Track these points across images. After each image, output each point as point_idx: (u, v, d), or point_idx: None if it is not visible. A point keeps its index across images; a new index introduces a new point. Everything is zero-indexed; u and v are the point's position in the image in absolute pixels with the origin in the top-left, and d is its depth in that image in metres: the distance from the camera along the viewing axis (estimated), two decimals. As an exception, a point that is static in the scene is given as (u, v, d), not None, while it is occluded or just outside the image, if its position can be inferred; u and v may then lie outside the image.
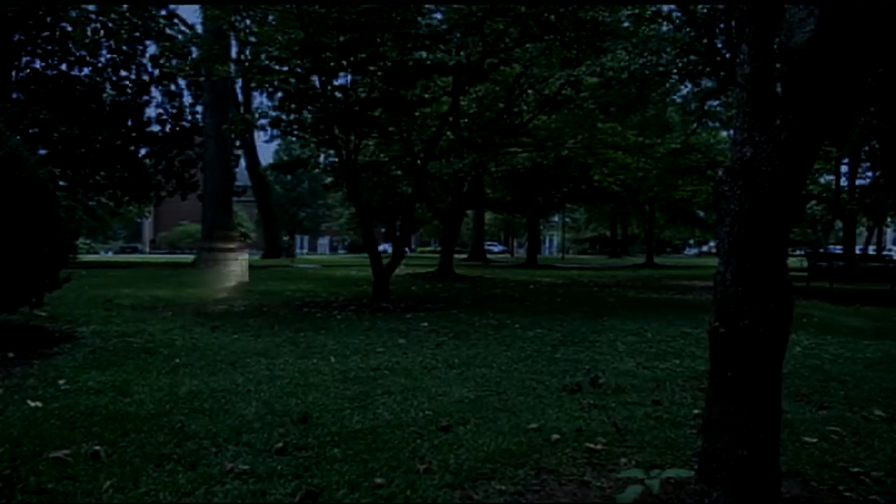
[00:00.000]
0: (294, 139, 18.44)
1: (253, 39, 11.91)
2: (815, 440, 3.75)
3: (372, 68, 10.85)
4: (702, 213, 39.39)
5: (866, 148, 34.41)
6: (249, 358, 5.87)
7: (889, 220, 51.74)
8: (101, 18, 22.97)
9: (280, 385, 4.84)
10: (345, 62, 10.60)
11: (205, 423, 3.86)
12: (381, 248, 20.62)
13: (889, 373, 5.73)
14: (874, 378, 5.49)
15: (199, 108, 26.71)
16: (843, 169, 34.45)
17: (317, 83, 10.79)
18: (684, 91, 25.98)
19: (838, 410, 4.45)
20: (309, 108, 11.73)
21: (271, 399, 4.42)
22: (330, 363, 5.71)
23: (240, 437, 3.62)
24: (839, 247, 36.65)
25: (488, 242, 57.46)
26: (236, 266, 21.01)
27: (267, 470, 3.14)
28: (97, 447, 3.35)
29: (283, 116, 12.03)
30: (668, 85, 21.99)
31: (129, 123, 25.78)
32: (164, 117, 26.87)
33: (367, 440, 3.60)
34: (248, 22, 12.77)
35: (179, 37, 24.59)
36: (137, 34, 24.31)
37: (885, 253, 38.43)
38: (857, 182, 36.75)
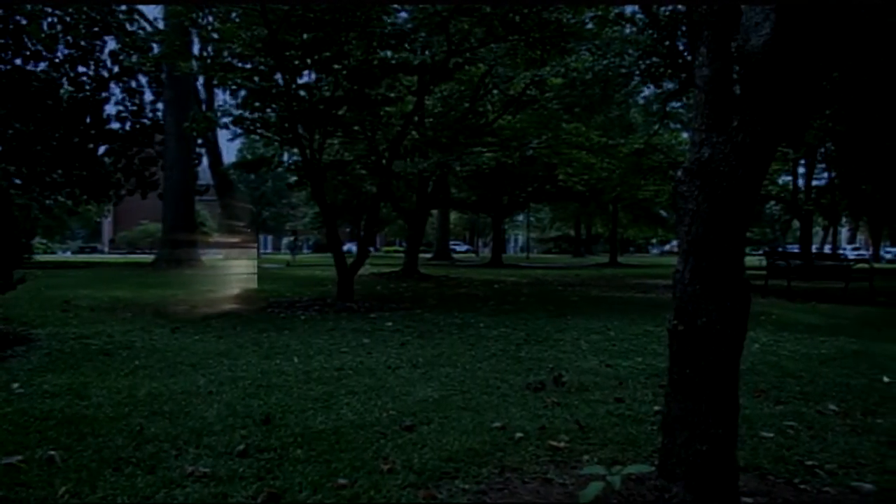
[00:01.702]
0: (257, 138, 18.21)
1: (215, 36, 11.72)
2: (772, 435, 3.83)
3: (336, 67, 10.78)
4: (664, 213, 39.97)
5: (822, 150, 35.23)
6: (211, 359, 5.79)
7: (843, 220, 53.16)
8: (57, 13, 22.43)
9: (242, 386, 4.78)
10: (309, 60, 10.51)
11: (164, 425, 3.80)
12: (345, 247, 20.48)
13: (843, 368, 5.88)
14: (828, 374, 5.63)
15: (160, 106, 26.24)
16: (801, 170, 35.23)
17: (280, 81, 10.68)
18: (647, 92, 26.40)
19: (794, 405, 4.55)
20: (272, 106, 11.59)
21: (233, 400, 4.37)
22: (293, 364, 5.66)
23: (200, 439, 3.56)
24: (796, 246, 37.51)
25: (453, 242, 57.50)
26: (198, 265, 20.70)
27: (228, 472, 3.10)
28: (52, 452, 3.27)
29: (247, 115, 11.88)
30: (630, 86, 22.30)
31: (88, 120, 25.22)
32: (124, 114, 26.36)
33: (331, 441, 3.58)
34: (210, 18, 12.60)
35: (140, 32, 24.13)
36: (96, 29, 23.78)
37: (839, 252, 39.40)
38: (814, 183, 37.61)
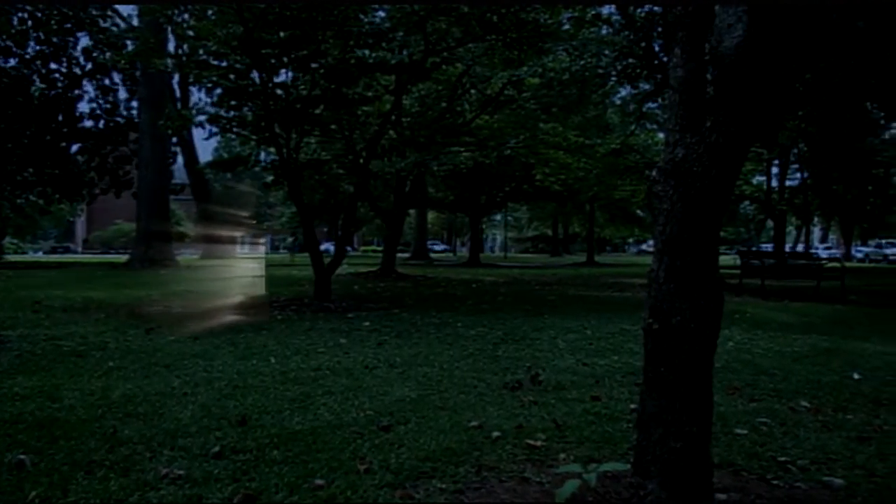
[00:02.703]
0: (234, 136, 18.06)
1: (191, 34, 11.61)
2: (745, 432, 3.88)
3: (314, 66, 10.72)
4: (641, 213, 40.33)
5: (795, 150, 35.77)
6: (186, 360, 5.74)
7: (816, 219, 54.01)
8: (28, 8, 22.06)
9: (218, 387, 4.74)
10: (286, 59, 10.44)
11: (139, 427, 3.76)
12: (323, 247, 20.37)
13: (815, 365, 5.97)
14: (801, 371, 5.71)
15: (134, 104, 25.94)
16: (774, 170, 35.75)
17: (257, 79, 10.60)
18: (623, 93, 26.62)
19: (768, 402, 4.61)
20: (249, 104, 11.51)
21: (209, 402, 4.33)
22: (270, 364, 5.63)
23: (175, 441, 3.53)
24: (770, 245, 38.01)
25: (431, 241, 57.52)
26: (173, 265, 20.49)
27: (203, 474, 3.07)
28: (22, 456, 3.21)
29: (223, 113, 11.77)
30: (607, 87, 22.45)
31: (60, 118, 24.84)
32: (98, 112, 26.00)
33: (308, 441, 3.56)
34: (185, 16, 12.47)
35: (114, 29, 23.82)
36: (68, 25, 23.44)
37: (812, 251, 40.02)
38: (787, 183, 38.16)
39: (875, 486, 3.09)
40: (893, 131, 39.75)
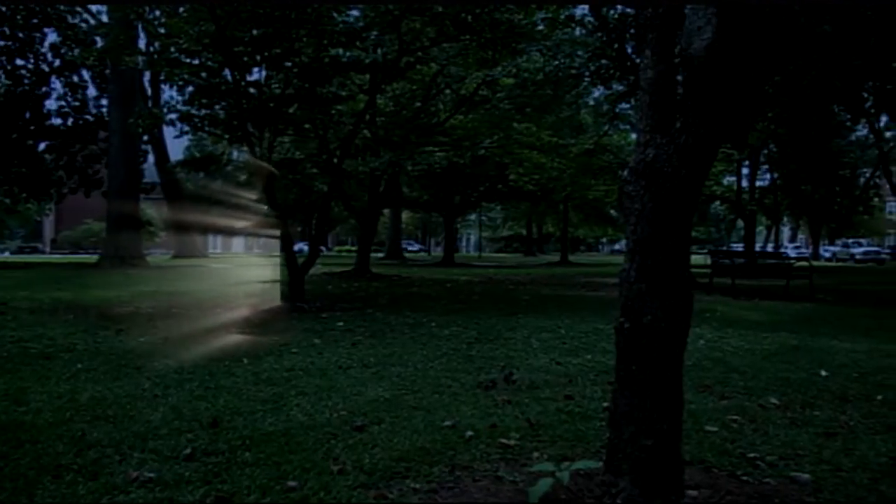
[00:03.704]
0: (206, 135, 17.88)
1: (162, 31, 11.47)
2: (716, 429, 3.93)
3: (287, 64, 10.65)
4: (614, 213, 40.67)
5: (765, 151, 36.34)
6: (157, 362, 5.66)
7: (785, 219, 54.93)
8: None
9: (189, 389, 4.68)
10: (258, 57, 10.35)
11: (108, 430, 3.70)
12: (297, 247, 20.31)
13: (784, 363, 6.07)
14: (770, 368, 5.80)
15: (104, 101, 25.53)
16: (745, 171, 36.28)
17: (229, 78, 10.49)
18: (597, 94, 26.82)
19: (738, 400, 4.68)
20: (221, 103, 11.39)
21: (180, 403, 4.28)
22: (242, 365, 5.58)
23: (146, 443, 3.48)
24: (741, 245, 38.56)
25: (406, 241, 57.44)
26: (144, 265, 20.22)
27: (174, 477, 3.03)
28: (-13, 459, 3.15)
29: (194, 111, 11.64)
30: (581, 87, 22.62)
31: (27, 116, 24.36)
32: (66, 110, 25.57)
33: (280, 443, 3.54)
34: (157, 13, 12.31)
35: (83, 25, 23.43)
36: (35, 21, 23.00)
37: (781, 250, 40.68)
38: (757, 184, 38.74)
39: (840, 481, 3.15)
40: (859, 133, 40.57)
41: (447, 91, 18.23)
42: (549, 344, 6.98)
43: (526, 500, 2.81)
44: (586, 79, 20.00)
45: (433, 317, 9.16)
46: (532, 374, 5.42)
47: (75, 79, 25.43)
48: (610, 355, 6.17)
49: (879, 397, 4.75)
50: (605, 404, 4.33)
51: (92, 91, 26.57)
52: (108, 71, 22.45)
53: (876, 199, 48.80)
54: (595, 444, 3.60)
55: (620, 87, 20.57)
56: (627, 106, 25.31)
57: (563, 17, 15.92)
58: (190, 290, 12.85)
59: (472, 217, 58.51)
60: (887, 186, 44.92)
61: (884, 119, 36.40)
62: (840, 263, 41.21)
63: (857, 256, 42.89)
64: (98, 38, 22.14)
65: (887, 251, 45.95)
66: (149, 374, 5.14)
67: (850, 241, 47.54)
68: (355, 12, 11.73)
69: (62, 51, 24.31)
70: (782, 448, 3.61)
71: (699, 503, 2.87)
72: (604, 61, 17.76)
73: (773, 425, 4.05)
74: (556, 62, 17.63)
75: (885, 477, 3.20)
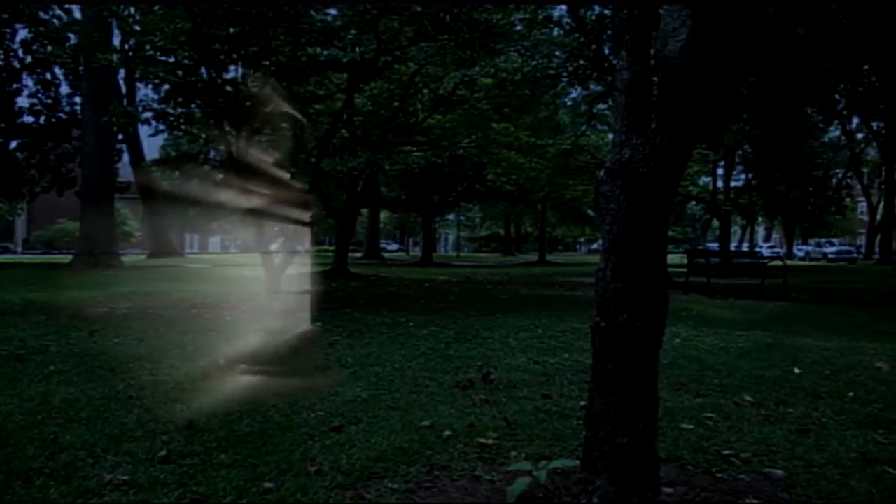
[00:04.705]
0: (181, 134, 17.73)
1: (137, 28, 11.34)
2: (691, 426, 3.97)
3: (264, 63, 10.58)
4: (591, 213, 40.87)
5: (740, 152, 36.78)
6: (132, 363, 5.58)
7: (760, 219, 55.64)
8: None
9: (164, 391, 4.63)
10: (235, 55, 10.29)
11: (81, 433, 3.65)
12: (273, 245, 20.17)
13: (758, 361, 6.15)
14: (745, 366, 5.87)
15: (77, 99, 25.18)
16: (720, 171, 36.68)
17: (205, 76, 10.40)
18: (574, 94, 26.95)
19: (713, 398, 4.73)
20: (197, 101, 11.30)
21: (155, 405, 4.23)
22: (219, 365, 5.52)
23: (120, 446, 3.44)
24: (716, 244, 38.97)
25: (384, 241, 57.31)
26: (118, 266, 19.97)
27: (149, 479, 3.00)
28: (-44, 464, 3.09)
29: (170, 110, 11.54)
30: (558, 88, 22.71)
31: (-2, 114, 23.98)
32: (38, 108, 25.18)
33: (257, 444, 3.51)
34: (131, 10, 12.17)
35: (55, 22, 23.07)
36: (6, 16, 22.60)
37: (756, 250, 41.15)
38: (732, 184, 39.19)
39: (813, 476, 3.20)
40: (831, 135, 41.21)
41: (425, 91, 18.21)
42: (526, 343, 7.00)
43: (504, 500, 2.82)
44: (564, 79, 20.08)
45: (411, 317, 9.15)
46: (510, 373, 5.43)
47: (48, 76, 25.06)
48: (587, 354, 6.19)
49: (850, 394, 4.83)
50: (583, 403, 4.33)
51: (65, 88, 26.24)
52: (81, 68, 22.13)
53: (848, 200, 49.70)
54: (572, 442, 3.62)
55: (598, 88, 20.68)
56: (605, 106, 25.45)
57: (541, 17, 16.01)
58: (166, 291, 12.71)
59: (451, 217, 58.55)
60: (859, 187, 45.77)
61: (855, 121, 37.09)
62: (813, 263, 41.79)
63: (830, 256, 43.51)
64: (71, 35, 21.82)
65: (856, 250, 46.67)
66: (123, 376, 5.08)
67: (823, 240, 48.23)
68: (333, 11, 11.68)
69: (34, 47, 23.93)
70: (756, 445, 3.66)
71: (675, 500, 2.90)
72: (581, 62, 17.85)
73: (748, 422, 4.10)
74: (534, 62, 17.66)
75: (856, 472, 3.26)
